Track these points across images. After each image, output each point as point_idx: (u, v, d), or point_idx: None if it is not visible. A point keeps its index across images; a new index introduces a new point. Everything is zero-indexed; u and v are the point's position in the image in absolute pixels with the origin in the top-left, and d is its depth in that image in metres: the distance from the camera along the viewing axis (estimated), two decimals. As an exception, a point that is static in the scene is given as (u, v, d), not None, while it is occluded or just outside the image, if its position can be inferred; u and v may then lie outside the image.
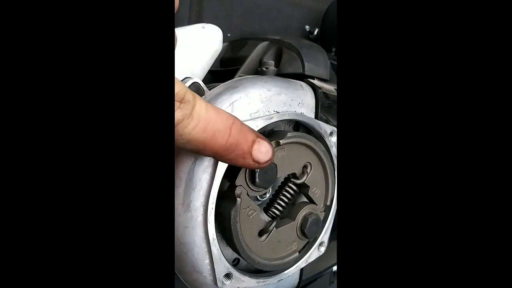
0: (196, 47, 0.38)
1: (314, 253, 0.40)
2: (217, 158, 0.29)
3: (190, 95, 0.25)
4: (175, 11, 0.28)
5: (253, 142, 0.28)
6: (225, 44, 0.52)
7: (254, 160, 0.29)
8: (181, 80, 0.35)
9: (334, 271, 0.53)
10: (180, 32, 0.38)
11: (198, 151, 0.27)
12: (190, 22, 0.58)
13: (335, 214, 0.41)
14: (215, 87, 0.35)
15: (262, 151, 0.29)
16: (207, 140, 0.26)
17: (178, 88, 0.24)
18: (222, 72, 0.48)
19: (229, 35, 0.57)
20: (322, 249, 0.40)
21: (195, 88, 0.35)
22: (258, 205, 0.35)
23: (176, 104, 0.24)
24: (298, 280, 0.41)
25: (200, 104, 0.26)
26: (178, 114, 0.24)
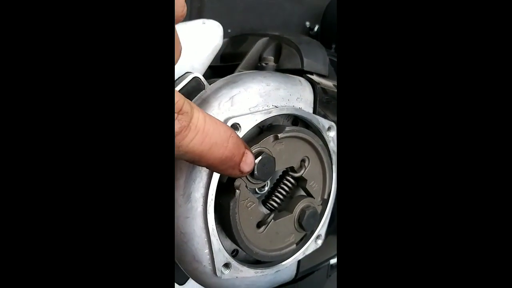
0: (196, 42, 0.39)
1: (311, 246, 0.41)
2: (209, 168, 0.29)
3: (188, 106, 0.25)
4: (183, 16, 0.28)
5: (243, 155, 0.29)
6: (225, 39, 0.52)
7: (239, 171, 0.29)
8: (182, 75, 0.36)
9: (331, 264, 0.53)
10: (181, 28, 0.39)
11: (193, 162, 0.27)
12: (191, 18, 0.59)
13: (333, 208, 0.41)
14: (215, 82, 0.35)
15: (248, 162, 0.30)
16: (203, 153, 0.26)
17: (176, 99, 0.24)
18: (222, 67, 0.49)
19: (229, 31, 0.57)
20: (319, 242, 0.41)
21: (196, 82, 0.36)
22: (256, 198, 0.36)
23: (174, 115, 0.24)
24: (295, 272, 0.42)
25: (197, 116, 0.26)
26: (175, 126, 0.24)
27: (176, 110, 0.24)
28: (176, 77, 0.36)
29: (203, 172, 0.31)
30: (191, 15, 0.60)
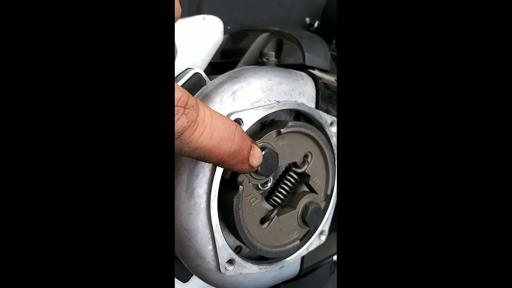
0: (197, 38, 0.38)
1: (315, 242, 0.40)
2: (219, 164, 0.29)
3: (192, 100, 0.24)
4: (178, 17, 0.28)
5: (251, 148, 0.29)
6: (226, 36, 0.52)
7: (249, 165, 0.29)
8: (183, 71, 0.36)
9: (335, 261, 0.53)
10: (181, 24, 0.38)
11: (202, 159, 0.27)
12: (190, 15, 0.58)
13: (336, 204, 0.41)
14: (216, 77, 0.35)
15: (256, 156, 0.29)
16: (213, 148, 0.26)
17: (180, 94, 0.24)
18: (223, 64, 0.49)
19: (229, 28, 0.57)
20: (323, 237, 0.41)
21: (197, 78, 0.35)
22: (259, 194, 0.36)
23: (181, 110, 0.23)
24: (299, 268, 0.42)
25: (203, 110, 0.25)
26: (183, 121, 0.23)
27: (181, 104, 0.24)
28: (177, 73, 0.36)
29: (206, 167, 0.31)
30: (190, 12, 0.60)
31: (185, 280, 0.38)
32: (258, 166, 0.30)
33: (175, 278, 0.37)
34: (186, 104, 0.24)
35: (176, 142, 0.24)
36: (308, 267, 0.44)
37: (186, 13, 0.60)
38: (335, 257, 0.52)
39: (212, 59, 0.41)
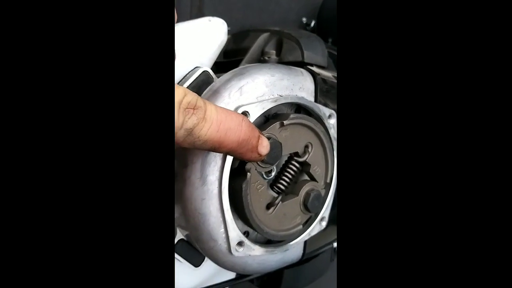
0: (204, 38, 0.41)
1: (316, 227, 0.43)
2: (230, 154, 0.32)
3: (201, 101, 0.28)
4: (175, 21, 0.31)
5: (259, 138, 0.32)
6: (228, 36, 0.55)
7: (258, 154, 0.32)
8: (192, 70, 0.39)
9: (335, 248, 0.56)
10: (188, 25, 0.41)
11: (215, 150, 0.30)
12: (191, 17, 0.61)
13: (335, 192, 0.44)
14: (223, 75, 0.38)
15: (264, 145, 0.33)
16: (221, 139, 0.29)
17: (190, 97, 0.28)
18: (226, 63, 0.51)
19: (229, 28, 0.60)
20: (324, 223, 0.44)
21: (205, 76, 0.38)
22: (265, 182, 0.38)
23: (191, 111, 0.27)
24: (302, 252, 0.45)
25: (210, 108, 0.29)
26: (193, 119, 0.28)
27: (191, 106, 0.28)
28: (186, 72, 0.39)
29: (218, 156, 0.34)
30: (191, 13, 0.63)
31: (197, 264, 0.40)
32: (266, 154, 0.33)
33: (188, 263, 0.40)
34: (195, 105, 0.28)
35: (189, 138, 0.28)
36: (310, 252, 0.47)
37: (188, 15, 0.63)
38: (335, 244, 0.55)
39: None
